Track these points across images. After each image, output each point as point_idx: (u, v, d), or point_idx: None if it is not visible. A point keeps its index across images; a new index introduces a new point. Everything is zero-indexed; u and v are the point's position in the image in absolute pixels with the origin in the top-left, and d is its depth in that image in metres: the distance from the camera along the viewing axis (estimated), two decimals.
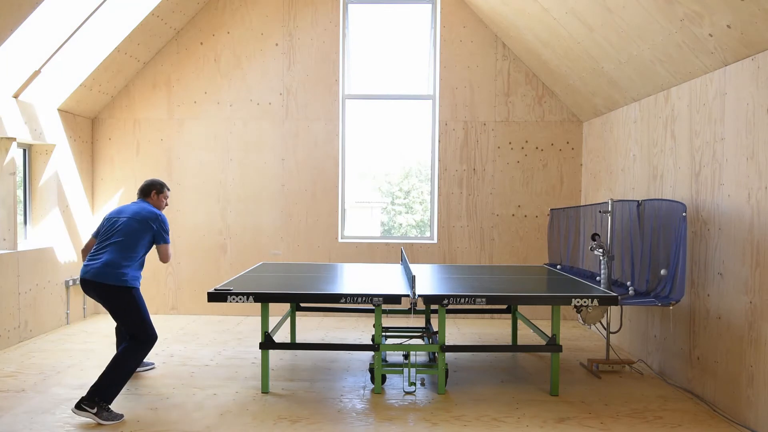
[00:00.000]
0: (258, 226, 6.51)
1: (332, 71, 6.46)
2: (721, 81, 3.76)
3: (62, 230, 5.91)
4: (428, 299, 3.79)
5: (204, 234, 6.51)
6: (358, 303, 3.75)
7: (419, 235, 8.51)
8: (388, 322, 6.19)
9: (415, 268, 5.08)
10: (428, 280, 4.45)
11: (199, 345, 5.25)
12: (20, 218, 5.59)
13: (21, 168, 5.67)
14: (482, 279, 4.56)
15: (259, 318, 6.25)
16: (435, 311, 5.21)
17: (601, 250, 4.32)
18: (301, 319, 6.33)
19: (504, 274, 4.95)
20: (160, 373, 4.41)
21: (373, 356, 4.28)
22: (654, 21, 3.92)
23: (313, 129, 6.48)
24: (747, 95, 3.49)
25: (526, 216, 6.45)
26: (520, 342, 5.40)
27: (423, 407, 3.76)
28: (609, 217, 4.57)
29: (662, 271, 3.94)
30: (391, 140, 8.32)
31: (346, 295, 3.77)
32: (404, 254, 5.12)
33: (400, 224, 11.69)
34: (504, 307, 5.31)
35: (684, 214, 3.73)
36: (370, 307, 4.22)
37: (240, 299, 3.75)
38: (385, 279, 4.49)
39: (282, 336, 5.42)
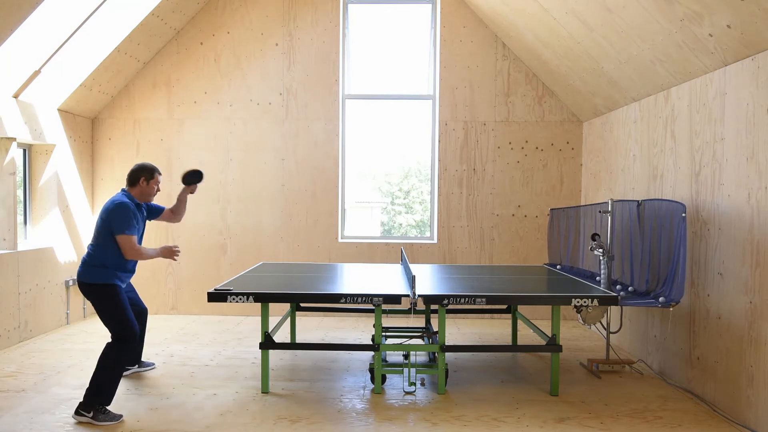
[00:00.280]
0: (258, 226, 6.51)
1: (332, 71, 6.46)
2: (721, 81, 3.76)
3: (62, 230, 5.91)
4: (428, 299, 3.79)
5: (204, 234, 6.51)
6: (358, 303, 3.76)
7: (419, 235, 8.51)
8: (388, 322, 6.19)
9: (415, 268, 5.08)
10: (428, 280, 4.45)
11: (199, 345, 5.25)
12: (20, 218, 5.59)
13: (21, 168, 5.67)
14: (482, 279, 4.56)
15: (259, 318, 6.24)
16: (435, 311, 5.21)
17: (601, 250, 4.32)
18: (301, 319, 6.33)
19: (504, 274, 4.95)
20: (160, 373, 4.41)
21: (373, 356, 4.28)
22: (654, 21, 3.92)
23: (313, 129, 6.48)
24: (747, 95, 3.49)
25: (526, 216, 6.45)
26: (520, 342, 5.40)
27: (423, 407, 3.76)
28: (609, 217, 4.57)
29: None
30: (391, 140, 8.32)
31: (346, 295, 3.77)
32: (404, 254, 5.12)
33: (400, 224, 11.69)
34: (504, 307, 5.31)
35: (684, 214, 3.73)
36: (370, 307, 4.22)
37: (240, 299, 3.75)
38: (385, 279, 4.49)
39: (282, 336, 5.42)
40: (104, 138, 6.51)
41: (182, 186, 4.32)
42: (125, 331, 3.59)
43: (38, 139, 5.50)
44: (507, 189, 6.46)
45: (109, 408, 3.52)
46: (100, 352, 3.77)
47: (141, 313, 4.27)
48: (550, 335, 4.08)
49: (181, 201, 4.28)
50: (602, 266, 4.36)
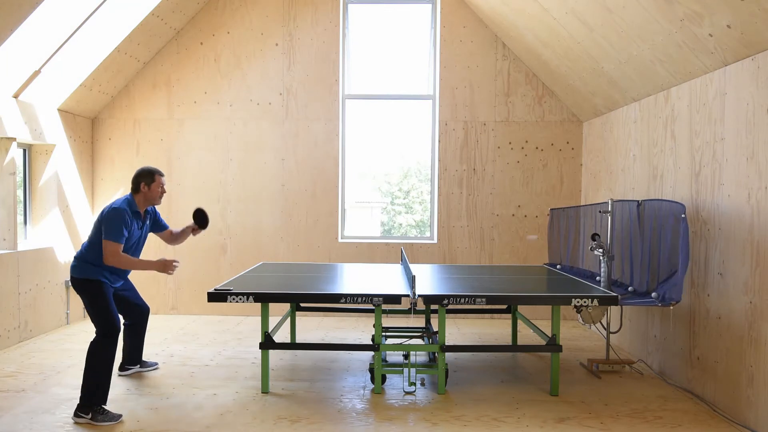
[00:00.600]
0: (258, 226, 6.51)
1: (332, 71, 6.46)
2: (721, 81, 3.76)
3: (62, 230, 5.91)
4: (428, 299, 3.79)
5: (204, 234, 6.50)
6: (358, 303, 3.76)
7: (419, 235, 8.51)
8: (388, 322, 6.19)
9: (415, 268, 5.08)
10: (428, 280, 4.45)
11: (199, 345, 5.25)
12: (20, 218, 5.59)
13: (21, 168, 5.67)
14: (482, 279, 4.56)
15: (259, 318, 6.24)
16: (435, 311, 5.21)
17: (601, 250, 4.33)
18: (301, 319, 6.33)
19: (504, 274, 4.95)
20: (160, 373, 4.41)
21: (373, 356, 4.27)
22: (654, 21, 3.92)
23: (313, 129, 6.48)
24: (747, 95, 3.49)
25: (526, 216, 6.45)
26: (520, 342, 5.40)
27: (423, 407, 3.76)
28: (609, 217, 4.57)
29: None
30: (391, 140, 8.32)
31: (346, 295, 3.77)
32: (404, 254, 5.12)
33: (400, 224, 11.68)
34: (504, 307, 5.31)
35: (683, 215, 3.73)
36: (370, 307, 4.22)
37: (240, 299, 3.75)
38: (385, 279, 4.49)
39: (282, 336, 5.42)
40: (104, 138, 6.51)
41: (192, 214, 4.31)
42: (107, 327, 3.60)
43: (38, 139, 5.50)
44: (507, 189, 6.46)
45: (106, 407, 3.52)
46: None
47: (142, 312, 4.28)
48: (550, 335, 4.08)
49: (184, 233, 4.26)
50: (602, 266, 4.36)
